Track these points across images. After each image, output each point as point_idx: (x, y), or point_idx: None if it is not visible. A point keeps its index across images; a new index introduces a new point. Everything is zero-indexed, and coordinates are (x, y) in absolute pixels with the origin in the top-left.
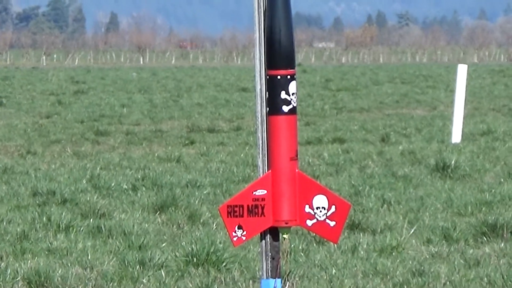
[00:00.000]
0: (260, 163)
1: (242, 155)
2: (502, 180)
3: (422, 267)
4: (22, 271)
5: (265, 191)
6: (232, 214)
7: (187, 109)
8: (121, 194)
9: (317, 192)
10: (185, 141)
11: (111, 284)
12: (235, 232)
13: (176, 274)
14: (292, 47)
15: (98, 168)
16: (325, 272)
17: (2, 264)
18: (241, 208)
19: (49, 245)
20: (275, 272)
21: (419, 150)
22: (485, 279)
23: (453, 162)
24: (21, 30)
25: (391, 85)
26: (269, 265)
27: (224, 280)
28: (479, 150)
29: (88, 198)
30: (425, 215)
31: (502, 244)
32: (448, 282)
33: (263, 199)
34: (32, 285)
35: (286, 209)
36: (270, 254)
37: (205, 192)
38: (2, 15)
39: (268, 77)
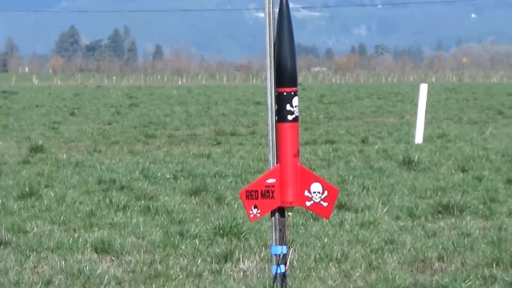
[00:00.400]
0: (270, 159)
1: (256, 152)
2: (453, 171)
3: (393, 237)
4: (90, 240)
5: (274, 180)
6: (249, 197)
7: (215, 118)
8: (165, 182)
9: (314, 181)
10: (213, 142)
11: (157, 250)
12: (251, 211)
13: (207, 242)
14: (295, 70)
15: (148, 162)
16: (319, 240)
17: (75, 234)
18: (256, 193)
19: (111, 220)
20: (282, 241)
21: (390, 149)
22: (440, 246)
23: (416, 158)
24: (89, 58)
25: (369, 99)
26: (277, 235)
27: (243, 247)
28: (436, 149)
29: (140, 185)
30: (394, 198)
31: (453, 220)
32: (412, 249)
33: (273, 186)
34: (98, 251)
35: (290, 193)
36: (278, 227)
37: (228, 180)
38: (74, 46)
39: (276, 93)
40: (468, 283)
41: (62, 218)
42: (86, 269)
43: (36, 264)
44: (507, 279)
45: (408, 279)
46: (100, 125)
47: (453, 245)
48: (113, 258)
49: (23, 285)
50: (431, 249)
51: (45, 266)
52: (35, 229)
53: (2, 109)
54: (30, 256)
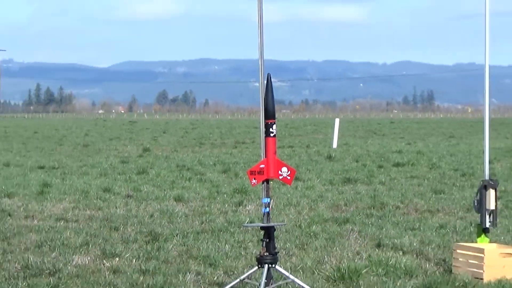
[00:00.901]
0: (262, 155)
1: (255, 152)
2: (351, 162)
3: (322, 194)
4: (172, 194)
5: (264, 165)
6: (251, 173)
7: (234, 135)
8: (209, 166)
9: (283, 166)
10: (233, 146)
11: (205, 200)
12: (252, 181)
13: (230, 196)
14: (274, 111)
15: (201, 156)
16: (285, 195)
17: (165, 192)
18: (254, 171)
19: (183, 185)
20: (267, 194)
21: (321, 150)
22: (345, 198)
23: (333, 154)
24: (173, 105)
25: (310, 126)
26: (265, 192)
27: (248, 199)
28: (343, 150)
29: (197, 168)
30: (323, 175)
31: (352, 186)
32: (331, 200)
33: (263, 168)
34: (176, 200)
35: (271, 172)
36: (266, 190)
37: (240, 165)
38: (165, 99)
39: (265, 122)
40: (360, 217)
41: (158, 184)
42: (170, 209)
43: (145, 207)
44: (378, 214)
45: (330, 215)
46: (177, 138)
47: (351, 198)
48: (183, 204)
49: (138, 217)
50: (341, 200)
51: (149, 208)
52: (145, 189)
53: (129, 130)
54: (142, 203)
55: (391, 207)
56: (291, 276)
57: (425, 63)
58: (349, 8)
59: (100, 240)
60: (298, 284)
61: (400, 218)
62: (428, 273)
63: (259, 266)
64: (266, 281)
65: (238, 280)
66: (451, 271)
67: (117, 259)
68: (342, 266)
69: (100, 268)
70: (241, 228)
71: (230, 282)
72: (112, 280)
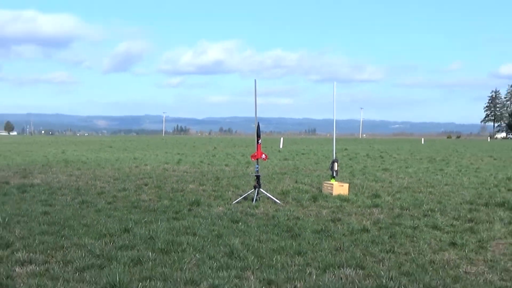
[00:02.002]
0: (256, 149)
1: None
2: (292, 156)
3: (277, 164)
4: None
5: (256, 153)
6: (252, 156)
7: (243, 149)
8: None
9: (263, 153)
10: (241, 153)
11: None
12: (252, 159)
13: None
14: (259, 135)
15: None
16: (265, 165)
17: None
18: (254, 155)
19: (222, 167)
20: (257, 163)
21: (274, 149)
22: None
23: (279, 150)
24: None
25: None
26: (257, 163)
27: (251, 165)
28: (286, 150)
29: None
30: (277, 156)
31: (296, 173)
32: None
33: (255, 154)
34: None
35: (259, 155)
36: (257, 162)
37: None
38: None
39: (257, 139)
40: (290, 172)
41: (217, 161)
42: (224, 169)
43: (211, 169)
44: (297, 171)
45: (279, 171)
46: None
47: (286, 165)
48: (229, 166)
49: (213, 172)
50: (283, 167)
51: (213, 169)
52: (208, 162)
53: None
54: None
55: (302, 169)
56: (265, 192)
57: None
58: None
59: (199, 179)
60: (267, 195)
61: (304, 173)
62: (314, 191)
63: (254, 188)
64: (257, 195)
65: (245, 194)
66: (321, 191)
67: (204, 186)
68: (283, 189)
69: (198, 189)
70: (250, 174)
71: (243, 194)
72: (202, 193)
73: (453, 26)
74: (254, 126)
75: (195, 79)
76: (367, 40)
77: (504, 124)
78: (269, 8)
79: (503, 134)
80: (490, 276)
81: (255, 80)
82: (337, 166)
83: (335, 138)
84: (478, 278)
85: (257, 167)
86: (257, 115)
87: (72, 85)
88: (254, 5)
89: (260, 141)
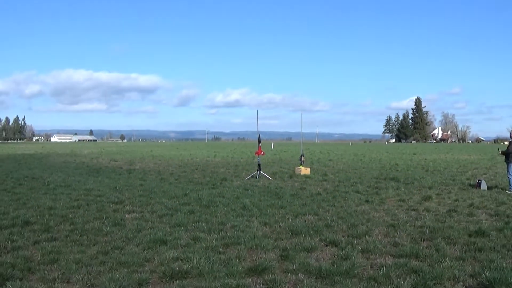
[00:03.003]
0: (257, 148)
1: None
2: (279, 152)
3: (270, 158)
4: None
5: (258, 151)
6: (256, 153)
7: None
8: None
9: (261, 151)
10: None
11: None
12: (256, 154)
13: (251, 169)
14: (260, 141)
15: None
16: (263, 158)
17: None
18: (257, 152)
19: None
20: (258, 155)
21: (269, 150)
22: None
23: (271, 149)
24: None
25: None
26: (258, 157)
27: (254, 159)
28: (276, 150)
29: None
30: (270, 153)
31: (282, 165)
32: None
33: (257, 152)
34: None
35: (259, 152)
36: (258, 157)
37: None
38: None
39: (259, 143)
40: (278, 162)
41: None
42: (236, 162)
43: (229, 160)
44: (279, 162)
45: (271, 161)
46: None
47: (277, 158)
48: (241, 162)
49: (231, 164)
50: (274, 159)
51: (220, 174)
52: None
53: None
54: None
55: (283, 160)
56: (263, 173)
57: None
58: None
59: (226, 166)
60: (264, 175)
61: (285, 162)
62: (290, 172)
63: (257, 171)
64: (258, 175)
65: (252, 174)
66: (294, 172)
67: (229, 170)
68: (273, 171)
69: (225, 171)
70: (255, 162)
71: (251, 174)
72: (227, 174)
73: (370, 79)
74: (257, 136)
75: (224, 110)
76: (319, 86)
77: (394, 135)
78: (263, 69)
79: (393, 140)
80: (386, 218)
81: (257, 111)
82: (303, 158)
83: (302, 143)
84: (379, 219)
85: (259, 159)
86: (258, 130)
87: (156, 114)
88: (257, 67)
89: (260, 144)
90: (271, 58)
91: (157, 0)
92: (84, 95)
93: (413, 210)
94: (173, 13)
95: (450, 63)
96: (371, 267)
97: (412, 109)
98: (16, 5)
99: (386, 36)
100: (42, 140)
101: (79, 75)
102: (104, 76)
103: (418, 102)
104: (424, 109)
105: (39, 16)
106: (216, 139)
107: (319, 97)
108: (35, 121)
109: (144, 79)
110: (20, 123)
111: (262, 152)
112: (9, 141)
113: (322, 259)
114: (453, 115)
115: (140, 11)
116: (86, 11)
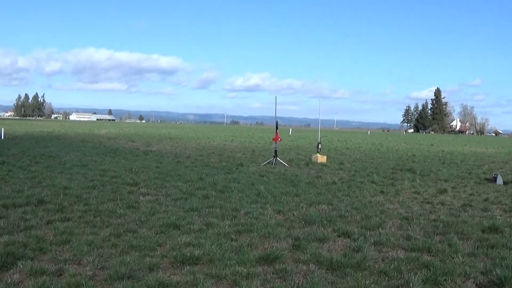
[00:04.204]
0: (275, 136)
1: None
2: (296, 139)
3: (287, 144)
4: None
5: (275, 137)
6: (273, 139)
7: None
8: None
9: (279, 137)
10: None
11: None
12: (273, 140)
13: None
14: (277, 127)
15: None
16: (279, 145)
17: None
18: (274, 138)
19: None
20: (276, 143)
21: (286, 135)
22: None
23: (290, 136)
24: None
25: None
26: (275, 143)
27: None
28: (294, 136)
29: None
30: (287, 139)
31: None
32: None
33: (274, 138)
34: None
35: (277, 138)
36: (275, 143)
37: (274, 143)
38: None
39: (276, 130)
40: (300, 152)
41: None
42: (252, 147)
43: (245, 145)
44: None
45: (288, 148)
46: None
47: (295, 144)
48: (258, 146)
49: (243, 148)
50: (291, 145)
51: (237, 159)
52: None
53: None
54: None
55: (301, 147)
56: (279, 159)
57: None
58: None
59: (243, 151)
60: (281, 161)
61: (302, 149)
62: (307, 160)
63: (273, 157)
64: (275, 161)
65: (268, 160)
66: (311, 159)
67: (245, 155)
68: (289, 158)
69: (242, 156)
70: (272, 148)
71: (267, 160)
72: (244, 159)
73: (391, 68)
74: (274, 122)
75: (243, 94)
76: (339, 73)
77: (412, 125)
78: (285, 54)
79: (411, 130)
80: (400, 210)
81: (275, 97)
82: (320, 145)
83: (320, 130)
84: (393, 211)
85: (276, 145)
86: (276, 115)
87: (175, 95)
88: (278, 52)
89: (277, 130)
90: (292, 43)
91: None
92: (104, 75)
93: (428, 203)
94: None
95: (471, 55)
96: (382, 260)
97: (431, 99)
98: None
99: (409, 26)
100: (61, 118)
101: (100, 54)
102: (125, 56)
103: (437, 92)
104: (443, 100)
105: None
106: (235, 123)
107: (339, 84)
108: (54, 99)
109: (165, 61)
110: (39, 100)
111: (279, 139)
112: (28, 117)
113: (334, 250)
114: (472, 107)
115: None
116: None
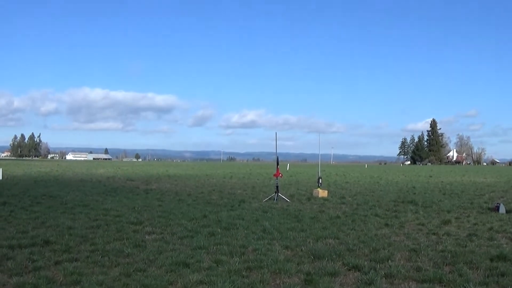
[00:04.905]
0: (275, 171)
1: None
2: (295, 174)
3: (286, 180)
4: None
5: (276, 173)
6: (274, 175)
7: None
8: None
9: (279, 173)
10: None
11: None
12: (274, 176)
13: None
14: (278, 163)
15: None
16: (280, 181)
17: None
18: (274, 174)
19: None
20: (276, 179)
21: (285, 171)
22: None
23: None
24: None
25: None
26: (276, 179)
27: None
28: (292, 172)
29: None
30: (286, 174)
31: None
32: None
33: (275, 174)
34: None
35: (277, 174)
36: (276, 179)
37: (275, 179)
38: None
39: (277, 164)
40: (301, 183)
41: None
42: (256, 183)
43: (255, 180)
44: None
45: (287, 182)
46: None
47: (293, 179)
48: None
49: (248, 185)
50: (291, 180)
51: (238, 196)
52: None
53: None
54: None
55: (300, 182)
56: (281, 195)
57: None
58: None
59: (243, 187)
60: (282, 197)
61: (302, 184)
62: (308, 195)
63: (275, 193)
64: (276, 197)
65: (270, 196)
66: (312, 194)
67: (246, 191)
68: (290, 193)
69: (243, 193)
70: (272, 184)
71: (269, 196)
72: (245, 195)
73: (386, 101)
74: (275, 158)
75: (239, 130)
76: (335, 108)
77: (409, 157)
78: (280, 90)
79: (408, 162)
80: (407, 242)
81: (275, 133)
82: (321, 180)
83: (315, 164)
84: (400, 243)
85: (277, 181)
86: (276, 152)
87: (171, 133)
88: (273, 88)
89: (278, 166)
90: (288, 79)
91: (173, 21)
92: (100, 114)
93: (433, 234)
94: (190, 33)
95: (466, 85)
96: None
97: (427, 131)
98: (32, 23)
99: (403, 58)
100: (57, 158)
101: (96, 94)
102: (120, 95)
103: (433, 124)
104: (439, 131)
105: (56, 34)
106: (231, 159)
107: (334, 118)
108: (51, 139)
109: (161, 99)
110: (35, 140)
111: (280, 174)
112: (24, 158)
113: (346, 284)
114: (468, 137)
115: (157, 31)
116: (104, 30)
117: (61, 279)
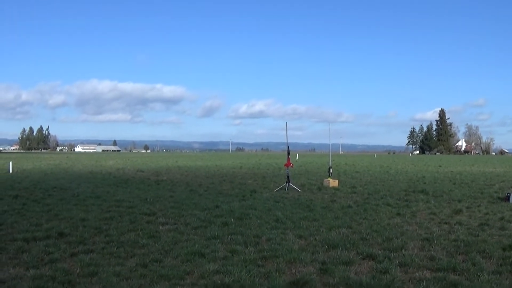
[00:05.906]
0: (287, 162)
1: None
2: (304, 164)
3: (296, 168)
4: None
5: (287, 163)
6: (285, 165)
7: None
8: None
9: (290, 163)
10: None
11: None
12: (285, 166)
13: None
14: (289, 153)
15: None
16: (291, 170)
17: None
18: (286, 164)
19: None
20: (288, 169)
21: (295, 159)
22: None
23: (297, 159)
24: None
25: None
26: (287, 169)
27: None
28: (301, 161)
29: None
30: (296, 162)
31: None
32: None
33: (286, 163)
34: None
35: (288, 164)
36: (288, 168)
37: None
38: None
39: (287, 154)
40: (313, 172)
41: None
42: (265, 173)
43: (264, 170)
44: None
45: (298, 172)
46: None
47: (308, 167)
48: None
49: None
50: (304, 167)
51: (249, 186)
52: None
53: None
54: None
55: (310, 172)
56: (292, 185)
57: None
58: None
59: (253, 177)
60: (293, 186)
61: (312, 174)
62: (318, 184)
63: (286, 182)
64: (287, 186)
65: (281, 186)
66: (323, 184)
67: (257, 181)
68: (301, 183)
69: (253, 183)
70: (283, 174)
71: (280, 186)
72: (256, 185)
73: (395, 90)
74: (283, 147)
75: (248, 120)
76: (344, 97)
77: (418, 146)
78: (289, 80)
79: (417, 152)
80: (419, 231)
81: (286, 123)
82: (331, 170)
83: (330, 154)
84: (413, 232)
85: (288, 170)
86: (287, 142)
87: (180, 124)
88: (282, 78)
89: (289, 156)
90: (296, 69)
91: (182, 12)
92: (108, 106)
93: (445, 223)
94: (199, 24)
95: (474, 74)
96: (410, 281)
97: (436, 120)
98: (42, 16)
99: (412, 48)
100: (66, 150)
101: (104, 86)
102: (128, 86)
103: (442, 113)
104: (448, 121)
105: (65, 27)
106: (240, 149)
107: (343, 108)
108: (59, 131)
109: (169, 90)
110: (44, 133)
111: (291, 164)
112: (33, 151)
113: (361, 272)
114: (477, 127)
115: (165, 23)
116: (112, 22)
117: (78, 271)
